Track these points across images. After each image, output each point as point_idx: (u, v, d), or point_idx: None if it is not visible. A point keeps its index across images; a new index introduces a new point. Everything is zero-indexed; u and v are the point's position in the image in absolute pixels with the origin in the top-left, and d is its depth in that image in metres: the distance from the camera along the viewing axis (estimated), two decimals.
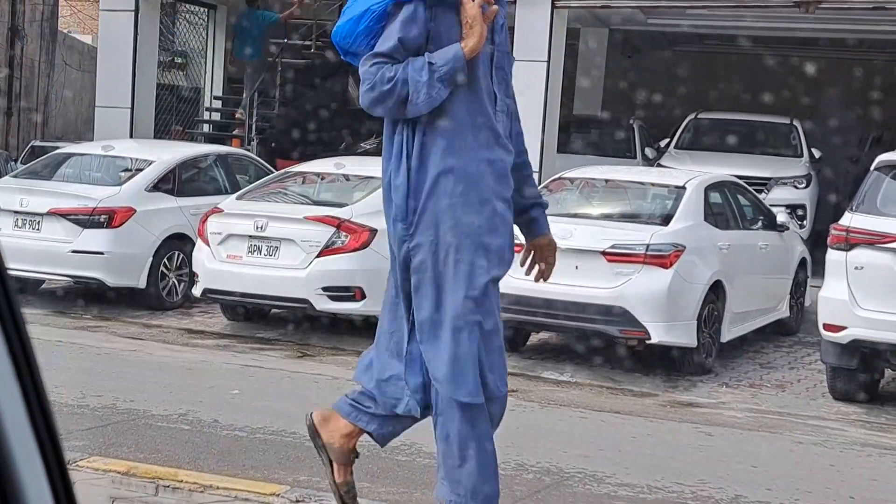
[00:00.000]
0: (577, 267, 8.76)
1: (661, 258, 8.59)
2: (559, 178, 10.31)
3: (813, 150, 15.31)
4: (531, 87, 13.51)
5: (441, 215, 3.89)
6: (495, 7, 3.96)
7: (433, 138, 3.91)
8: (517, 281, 9.01)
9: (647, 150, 15.60)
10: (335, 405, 4.19)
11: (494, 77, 4.03)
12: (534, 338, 9.93)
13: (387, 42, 3.87)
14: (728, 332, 9.25)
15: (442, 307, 3.87)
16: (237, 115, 16.60)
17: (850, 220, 8.03)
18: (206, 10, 18.13)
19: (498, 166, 3.96)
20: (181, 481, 4.75)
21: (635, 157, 15.44)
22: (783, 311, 10.40)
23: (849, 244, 7.93)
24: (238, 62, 17.41)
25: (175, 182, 11.06)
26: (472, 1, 3.90)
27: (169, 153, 11.45)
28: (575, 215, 9.47)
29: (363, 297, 9.51)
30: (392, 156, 3.99)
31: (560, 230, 9.11)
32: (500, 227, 3.95)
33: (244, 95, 16.76)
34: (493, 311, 3.93)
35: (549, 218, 10.90)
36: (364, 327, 9.93)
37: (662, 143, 15.89)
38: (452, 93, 3.88)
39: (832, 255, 8.03)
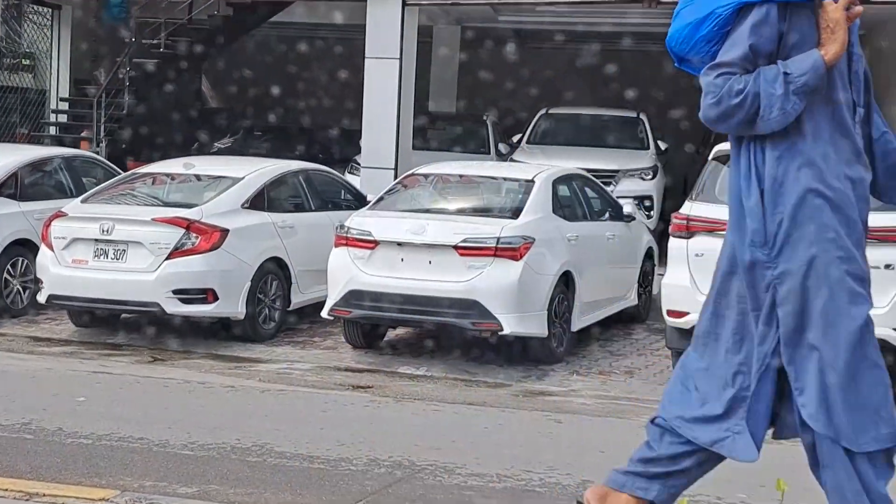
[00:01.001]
0: (430, 262, 8.85)
1: (511, 251, 8.72)
2: (413, 175, 10.36)
3: (659, 142, 15.76)
4: (384, 85, 13.55)
5: (808, 240, 3.51)
6: (860, 8, 3.59)
7: (789, 154, 3.54)
8: (371, 277, 9.15)
9: (501, 146, 15.80)
10: (606, 480, 3.82)
11: (852, 84, 3.65)
12: (390, 333, 9.96)
13: (735, 49, 3.50)
14: (578, 322, 9.45)
15: (821, 340, 3.52)
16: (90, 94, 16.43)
17: (689, 208, 8.28)
18: (52, 10, 17.65)
19: (858, 186, 3.60)
20: (6, 490, 4.61)
21: (489, 153, 15.63)
22: (631, 300, 10.67)
23: (689, 232, 8.18)
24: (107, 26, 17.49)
25: (17, 186, 10.72)
26: (835, 2, 3.54)
27: (10, 156, 11.08)
28: (428, 210, 9.55)
29: (216, 298, 9.40)
30: (741, 174, 3.61)
31: (414, 226, 9.24)
32: (865, 253, 3.63)
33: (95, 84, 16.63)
34: (876, 344, 3.59)
35: (402, 214, 10.81)
36: (217, 330, 9.82)
37: (515, 139, 16.13)
38: (808, 103, 3.51)
39: (674, 243, 8.26)
